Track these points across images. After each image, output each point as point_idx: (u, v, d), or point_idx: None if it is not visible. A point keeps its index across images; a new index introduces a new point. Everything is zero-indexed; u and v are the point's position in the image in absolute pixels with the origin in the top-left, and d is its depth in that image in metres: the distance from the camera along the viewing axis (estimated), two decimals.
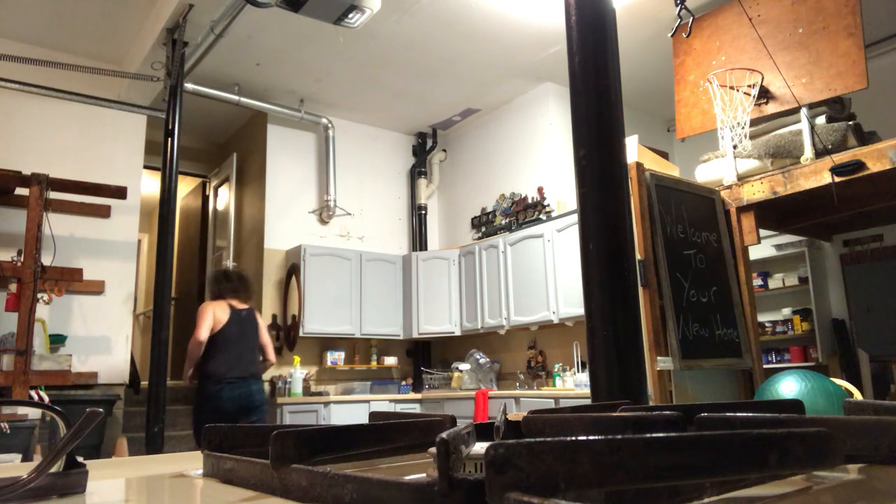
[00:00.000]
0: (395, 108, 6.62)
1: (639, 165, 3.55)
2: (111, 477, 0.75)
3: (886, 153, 3.36)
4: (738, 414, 0.54)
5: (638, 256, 3.33)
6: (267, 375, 5.92)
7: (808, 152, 3.68)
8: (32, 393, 4.21)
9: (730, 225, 3.95)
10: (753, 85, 3.91)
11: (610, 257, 1.39)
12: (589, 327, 1.38)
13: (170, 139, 4.61)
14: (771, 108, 3.96)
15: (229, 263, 6.55)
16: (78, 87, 5.11)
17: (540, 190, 6.05)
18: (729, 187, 3.98)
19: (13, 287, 4.32)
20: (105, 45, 5.35)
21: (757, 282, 5.89)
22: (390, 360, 6.54)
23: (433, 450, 0.44)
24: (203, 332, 4.06)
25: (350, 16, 4.07)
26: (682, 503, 0.42)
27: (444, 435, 0.40)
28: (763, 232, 4.10)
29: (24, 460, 3.18)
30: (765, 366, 4.16)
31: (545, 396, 5.06)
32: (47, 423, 3.87)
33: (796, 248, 5.86)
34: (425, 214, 7.16)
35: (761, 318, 5.70)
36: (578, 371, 5.23)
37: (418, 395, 6.18)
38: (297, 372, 5.76)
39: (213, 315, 4.15)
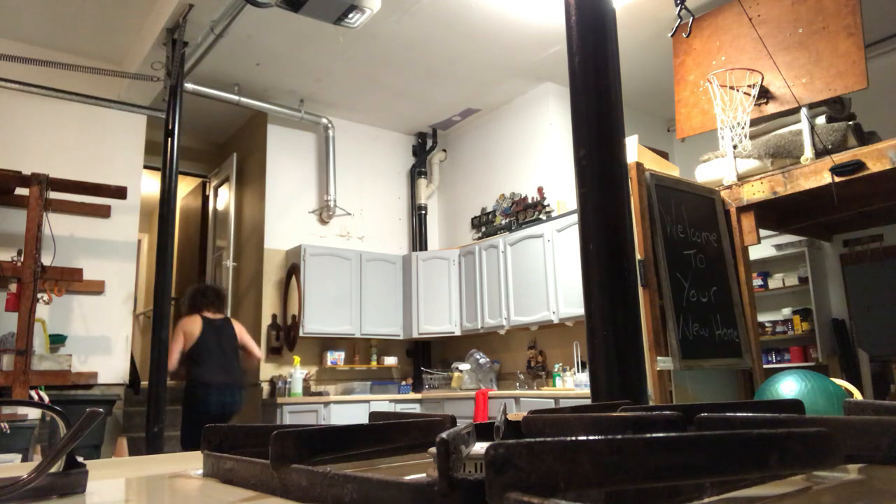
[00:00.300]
0: (395, 108, 6.62)
1: (639, 165, 3.55)
2: (111, 477, 0.75)
3: (886, 153, 3.36)
4: (738, 414, 0.54)
5: (638, 256, 3.33)
6: (266, 375, 5.94)
7: (808, 152, 3.68)
8: (32, 393, 4.21)
9: (730, 225, 3.95)
10: (753, 85, 3.91)
11: (610, 257, 1.39)
12: (589, 327, 1.38)
13: (170, 139, 4.60)
14: (771, 108, 3.96)
15: (229, 263, 6.55)
16: (78, 87, 5.11)
17: (540, 190, 6.05)
18: (729, 187, 3.98)
19: (13, 287, 4.32)
20: (105, 45, 5.35)
21: (757, 282, 5.89)
22: (390, 360, 6.54)
23: (433, 450, 0.44)
24: (173, 360, 4.35)
25: (350, 16, 4.07)
26: (682, 503, 0.42)
27: (444, 435, 0.40)
28: (763, 232, 4.10)
29: (24, 460, 3.19)
30: (765, 366, 4.16)
31: (545, 396, 5.06)
32: (47, 423, 3.87)
33: (796, 248, 5.86)
34: (425, 214, 7.16)
35: (761, 318, 5.70)
36: (578, 371, 5.23)
37: (418, 396, 6.18)
38: (297, 372, 5.76)
39: (184, 333, 4.49)
